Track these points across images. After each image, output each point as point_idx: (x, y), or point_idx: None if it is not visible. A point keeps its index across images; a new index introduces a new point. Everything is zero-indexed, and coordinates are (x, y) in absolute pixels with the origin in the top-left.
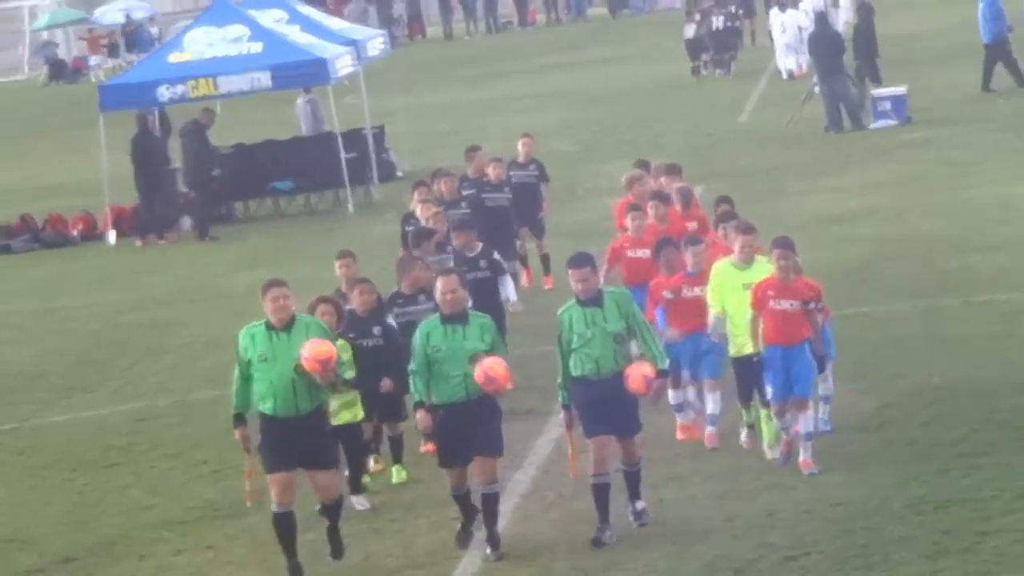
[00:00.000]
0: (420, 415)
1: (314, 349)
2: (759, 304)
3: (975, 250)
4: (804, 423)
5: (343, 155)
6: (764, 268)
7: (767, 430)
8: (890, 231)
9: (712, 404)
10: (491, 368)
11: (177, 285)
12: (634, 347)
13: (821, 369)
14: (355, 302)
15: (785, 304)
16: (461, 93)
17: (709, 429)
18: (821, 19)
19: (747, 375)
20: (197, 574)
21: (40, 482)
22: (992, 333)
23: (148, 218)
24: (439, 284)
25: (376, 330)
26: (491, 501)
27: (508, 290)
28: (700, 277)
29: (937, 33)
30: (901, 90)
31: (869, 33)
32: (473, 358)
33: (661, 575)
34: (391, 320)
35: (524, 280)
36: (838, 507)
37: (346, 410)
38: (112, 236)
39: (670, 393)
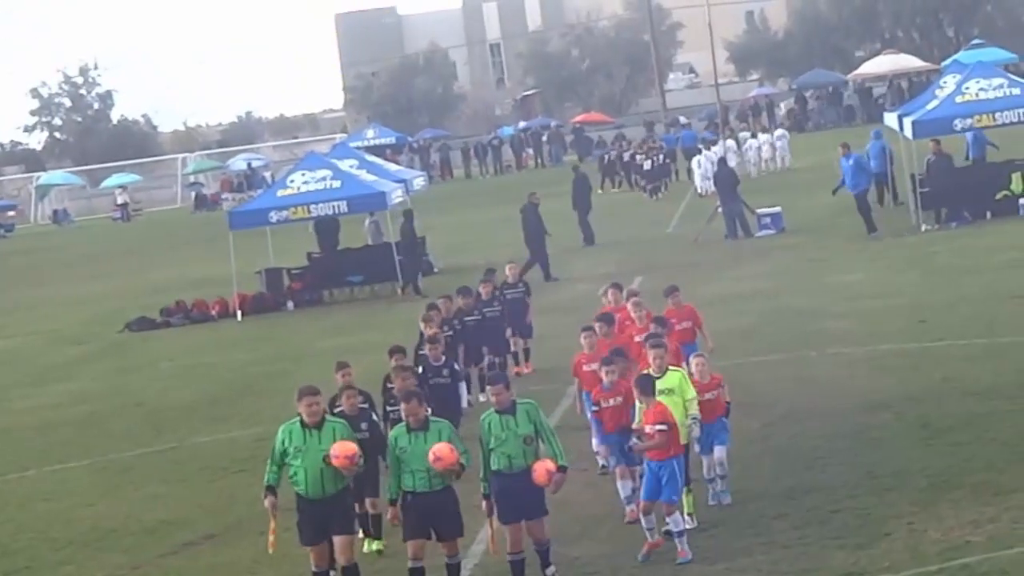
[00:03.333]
0: (390, 511)
1: (343, 448)
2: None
3: (828, 317)
4: (673, 523)
5: (396, 257)
6: (675, 376)
7: (688, 500)
8: (769, 305)
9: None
10: (439, 449)
11: (284, 347)
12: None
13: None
14: (344, 405)
15: (656, 427)
16: (476, 215)
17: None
18: (722, 162)
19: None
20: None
21: (191, 482)
22: (839, 375)
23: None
24: (404, 407)
25: (364, 426)
26: (454, 570)
27: (462, 394)
28: (615, 388)
29: (804, 170)
30: (777, 209)
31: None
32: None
33: None
34: (375, 417)
35: (525, 369)
36: (735, 494)
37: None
38: (239, 314)
39: (619, 484)
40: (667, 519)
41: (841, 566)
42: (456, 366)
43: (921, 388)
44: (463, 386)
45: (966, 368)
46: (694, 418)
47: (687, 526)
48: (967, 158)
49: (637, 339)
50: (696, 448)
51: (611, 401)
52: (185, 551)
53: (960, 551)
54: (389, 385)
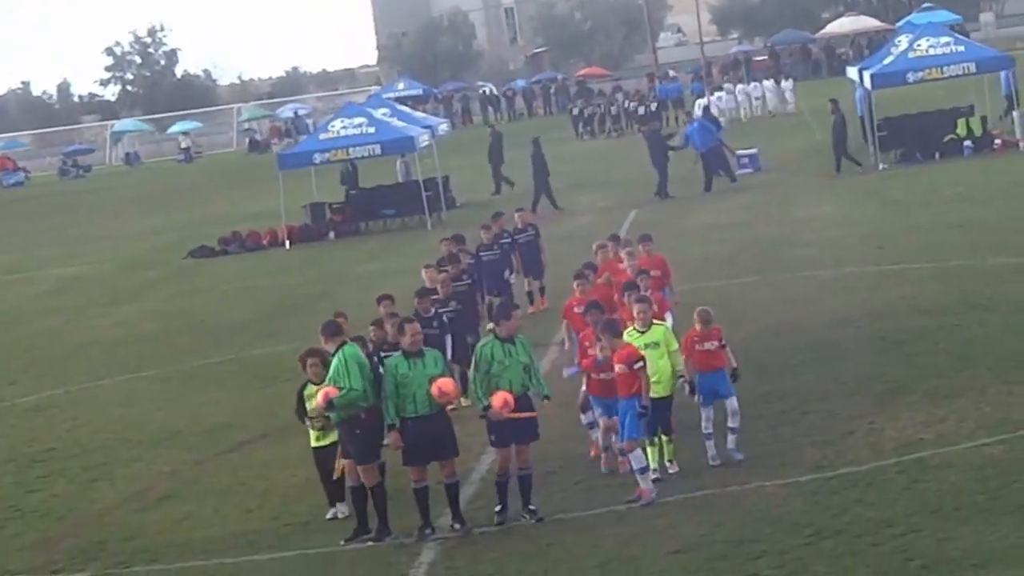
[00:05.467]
0: (392, 436)
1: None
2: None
3: (798, 245)
4: (634, 460)
5: (424, 193)
6: (659, 330)
7: (669, 448)
8: (747, 234)
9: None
10: (443, 384)
11: (326, 272)
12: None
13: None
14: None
15: (618, 368)
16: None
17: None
18: (705, 110)
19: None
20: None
21: (245, 390)
22: (809, 295)
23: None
24: (408, 329)
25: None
26: (453, 489)
27: (447, 347)
28: (607, 364)
29: (780, 116)
30: (754, 150)
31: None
32: (431, 380)
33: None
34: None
35: (542, 305)
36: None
37: (332, 431)
38: (287, 243)
39: (600, 436)
40: (628, 456)
41: (811, 460)
42: (445, 319)
43: (880, 306)
44: (449, 339)
45: (918, 288)
46: (680, 376)
47: (672, 470)
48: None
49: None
50: (697, 400)
51: (602, 375)
52: (240, 449)
53: (914, 447)
54: (361, 336)
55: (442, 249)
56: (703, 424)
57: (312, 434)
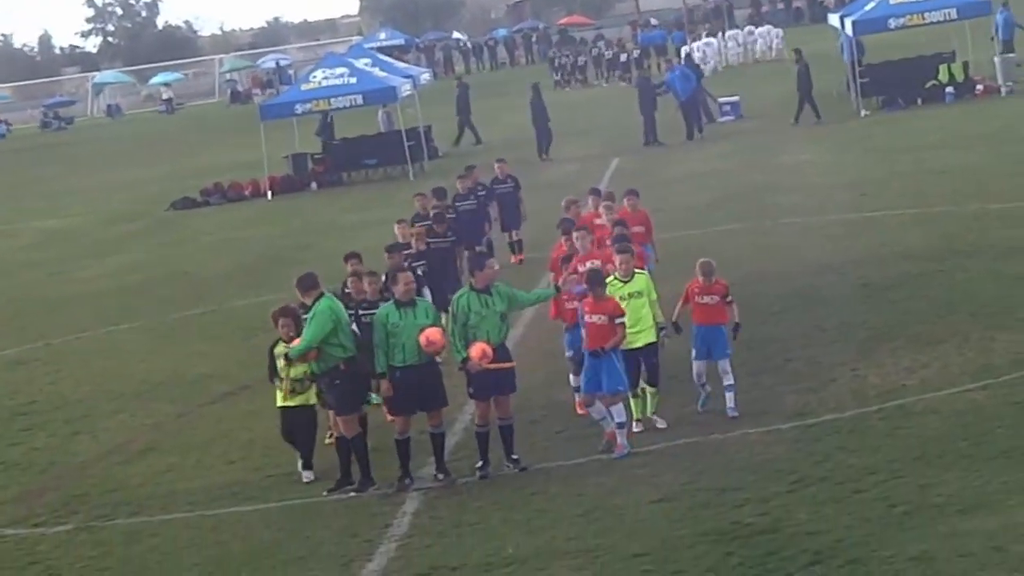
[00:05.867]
0: (383, 384)
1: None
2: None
3: (780, 192)
4: (616, 414)
5: (406, 143)
6: (641, 279)
7: (653, 401)
8: (730, 182)
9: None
10: (431, 333)
11: (308, 222)
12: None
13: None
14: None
15: (595, 318)
16: (476, 105)
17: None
18: (687, 58)
19: (633, 367)
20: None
21: (228, 341)
22: (791, 242)
23: None
24: (401, 279)
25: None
26: (439, 439)
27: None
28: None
29: (762, 63)
30: (736, 98)
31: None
32: (421, 330)
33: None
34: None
35: (515, 259)
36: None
37: (301, 394)
38: (269, 194)
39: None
40: (610, 409)
41: (793, 407)
42: (420, 272)
43: (862, 252)
44: (427, 291)
45: (901, 234)
46: (662, 328)
47: (660, 425)
48: (992, 38)
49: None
50: (692, 354)
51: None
52: (223, 400)
53: (896, 393)
54: (347, 290)
55: (416, 204)
56: (695, 375)
57: (279, 394)
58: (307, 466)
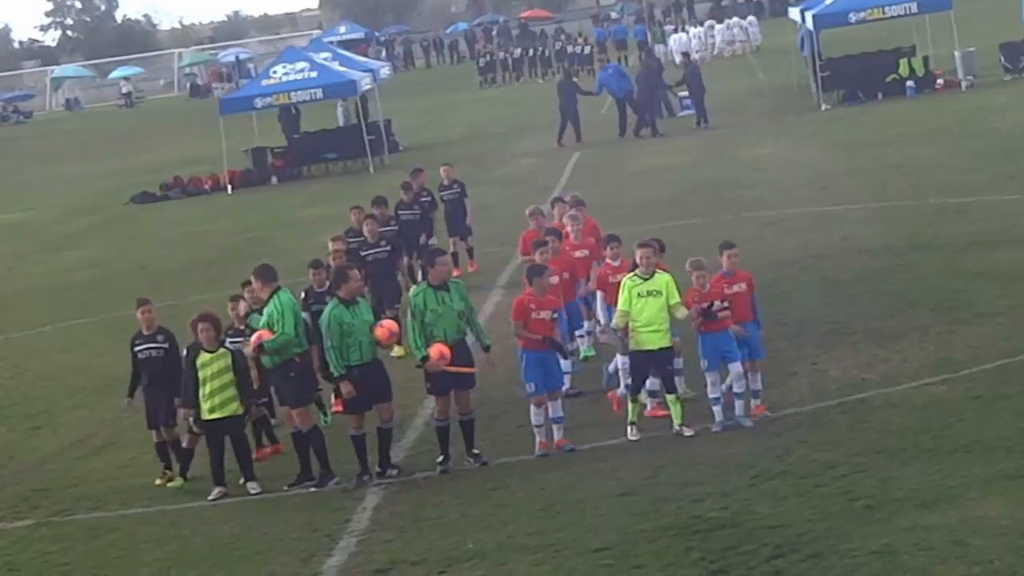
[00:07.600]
0: (344, 386)
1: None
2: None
3: (741, 186)
4: (554, 409)
5: (366, 137)
6: (663, 279)
7: (676, 410)
8: (690, 176)
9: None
10: (389, 324)
11: (268, 217)
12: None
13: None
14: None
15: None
16: (435, 99)
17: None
18: (649, 53)
19: (641, 369)
20: None
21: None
22: (752, 236)
23: None
24: (349, 275)
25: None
26: (386, 434)
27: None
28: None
29: (724, 57)
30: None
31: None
32: (370, 327)
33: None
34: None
35: (470, 268)
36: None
37: (231, 403)
38: (229, 188)
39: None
40: (552, 404)
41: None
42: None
43: (822, 246)
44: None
45: (861, 228)
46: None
47: (688, 433)
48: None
49: (577, 254)
50: (703, 366)
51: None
52: None
53: (857, 387)
54: (309, 300)
55: (351, 219)
56: (709, 389)
57: (204, 406)
58: (250, 477)
